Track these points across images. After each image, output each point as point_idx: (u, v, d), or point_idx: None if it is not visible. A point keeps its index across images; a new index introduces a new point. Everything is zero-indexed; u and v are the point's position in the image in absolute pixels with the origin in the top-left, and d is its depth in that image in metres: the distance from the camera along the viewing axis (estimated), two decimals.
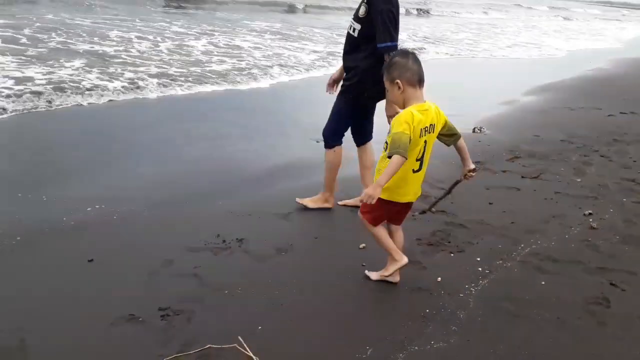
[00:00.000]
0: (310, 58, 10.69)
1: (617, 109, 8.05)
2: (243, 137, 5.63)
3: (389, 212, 2.82)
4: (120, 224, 3.51)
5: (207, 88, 7.78)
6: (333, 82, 3.98)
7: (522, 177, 4.83)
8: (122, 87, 7.09)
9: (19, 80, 6.73)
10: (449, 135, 2.77)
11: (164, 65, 8.65)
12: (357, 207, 3.83)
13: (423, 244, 3.42)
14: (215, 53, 10.29)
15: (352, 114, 3.79)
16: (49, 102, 6.17)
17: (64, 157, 4.66)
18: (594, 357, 2.43)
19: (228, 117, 6.41)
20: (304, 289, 2.84)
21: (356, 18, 3.57)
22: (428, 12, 27.84)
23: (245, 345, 2.31)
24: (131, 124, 5.88)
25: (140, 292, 2.73)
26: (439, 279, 2.98)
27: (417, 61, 2.64)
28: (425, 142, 2.65)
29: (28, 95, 6.19)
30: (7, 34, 9.60)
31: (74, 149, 4.87)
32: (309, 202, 3.95)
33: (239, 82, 8.29)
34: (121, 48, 9.65)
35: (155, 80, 7.58)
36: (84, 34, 10.58)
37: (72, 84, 6.84)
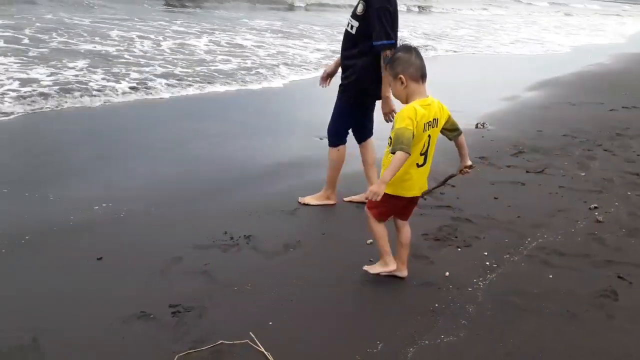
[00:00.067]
0: (315, 56, 10.66)
1: (619, 104, 8.06)
2: (251, 135, 5.64)
3: (394, 207, 2.83)
4: (128, 222, 3.52)
5: (220, 88, 7.74)
6: (327, 76, 4.00)
7: (527, 171, 4.84)
8: (130, 87, 7.06)
9: (24, 82, 6.72)
10: (451, 130, 2.78)
11: (168, 65, 8.62)
12: (362, 203, 3.87)
13: (430, 239, 3.43)
14: (219, 52, 10.28)
15: (353, 113, 3.80)
16: (57, 103, 6.14)
17: (70, 157, 4.67)
18: (603, 349, 2.44)
19: (239, 117, 6.39)
20: (313, 284, 2.85)
21: (354, 15, 3.58)
22: (429, 9, 27.78)
23: (257, 341, 2.32)
24: (141, 124, 5.88)
25: (151, 289, 2.74)
26: (447, 273, 2.99)
27: (419, 56, 2.66)
28: (429, 136, 2.66)
29: (36, 97, 6.17)
30: (7, 34, 9.60)
31: (81, 149, 4.87)
32: (311, 199, 3.96)
33: (249, 81, 8.23)
34: (123, 48, 9.64)
35: (163, 81, 7.53)
36: (85, 34, 10.59)
37: (79, 85, 6.81)
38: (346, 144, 3.90)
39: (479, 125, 6.44)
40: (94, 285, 2.77)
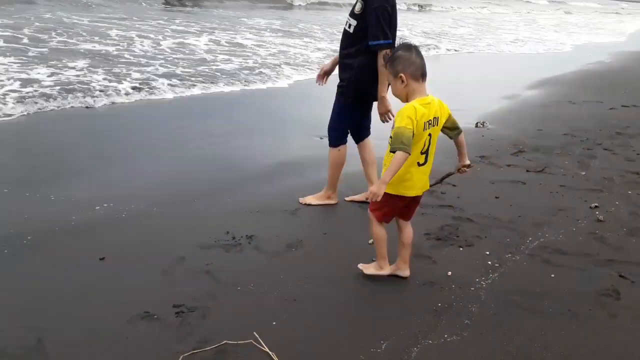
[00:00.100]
0: (317, 56, 10.61)
1: (619, 102, 8.07)
2: (254, 135, 5.63)
3: (397, 207, 2.83)
4: (130, 222, 3.52)
5: (225, 88, 7.71)
6: (324, 74, 4.00)
7: (527, 170, 4.85)
8: (132, 87, 7.01)
9: (25, 82, 6.69)
10: (452, 129, 2.79)
11: (169, 65, 8.59)
12: (363, 202, 3.88)
13: (432, 238, 3.43)
14: (219, 51, 10.25)
15: (351, 113, 3.80)
16: (59, 104, 6.11)
17: (71, 157, 4.66)
18: (607, 348, 2.45)
19: (244, 117, 6.37)
20: (316, 284, 2.85)
21: (352, 14, 3.58)
22: (429, 7, 27.77)
23: (261, 341, 2.33)
24: (142, 124, 5.88)
25: (154, 289, 2.74)
26: (450, 273, 3.00)
27: (420, 55, 2.66)
28: (430, 135, 2.66)
29: (38, 97, 6.13)
30: (6, 33, 9.58)
31: (82, 149, 4.87)
32: (312, 199, 3.97)
33: (253, 81, 8.18)
34: (123, 47, 9.62)
35: (166, 81, 7.48)
36: (84, 33, 10.57)
37: (81, 86, 6.76)
38: (347, 143, 3.90)
39: (479, 124, 6.44)
40: (97, 285, 2.77)
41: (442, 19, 22.50)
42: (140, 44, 10.05)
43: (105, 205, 3.70)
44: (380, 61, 3.44)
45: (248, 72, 8.70)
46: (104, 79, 7.26)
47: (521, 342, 2.44)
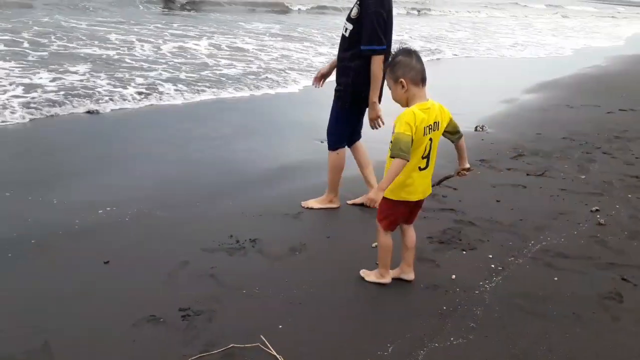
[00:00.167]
0: (319, 60, 10.55)
1: (616, 106, 8.13)
2: (255, 139, 5.63)
3: (402, 213, 2.84)
4: (133, 225, 3.52)
5: (236, 94, 7.68)
6: (321, 77, 4.03)
7: (527, 174, 4.88)
8: (138, 93, 6.96)
9: (28, 87, 6.65)
10: (453, 133, 2.80)
11: (172, 70, 8.55)
12: (364, 205, 3.88)
13: (434, 241, 3.45)
14: (220, 56, 10.23)
15: (349, 117, 3.81)
16: (64, 110, 6.06)
17: (73, 161, 4.66)
18: (610, 351, 2.47)
19: (251, 122, 6.36)
20: (321, 287, 2.86)
21: (349, 18, 3.60)
22: (428, 12, 27.88)
23: (268, 344, 2.34)
24: (145, 129, 5.85)
25: (159, 293, 2.75)
26: (453, 276, 3.01)
27: (420, 60, 2.67)
28: (431, 139, 2.68)
29: (42, 103, 6.07)
30: (6, 37, 9.59)
31: (84, 153, 4.86)
32: (314, 203, 3.98)
33: (261, 87, 8.15)
34: (123, 52, 9.60)
35: (172, 87, 7.42)
36: (83, 37, 10.57)
37: (85, 91, 6.71)
38: (345, 147, 3.92)
39: (478, 128, 6.48)
40: (102, 289, 2.77)
41: (440, 23, 22.56)
42: (141, 48, 10.04)
43: (108, 208, 3.70)
44: (373, 66, 3.46)
45: (254, 77, 8.65)
46: (108, 84, 7.21)
47: (526, 345, 2.46)
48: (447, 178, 3.15)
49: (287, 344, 2.37)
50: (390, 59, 2.73)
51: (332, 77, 3.91)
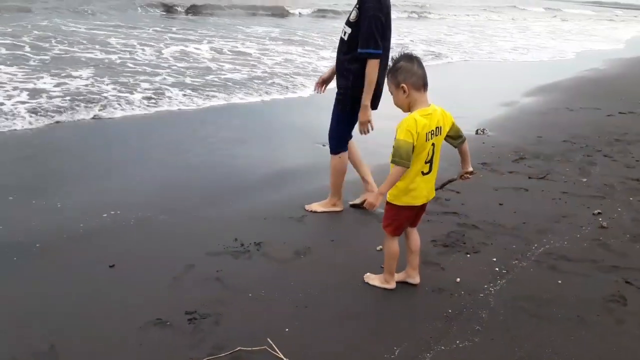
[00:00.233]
0: (324, 64, 10.51)
1: (616, 109, 8.16)
2: (260, 144, 5.64)
3: (407, 217, 2.85)
4: (138, 229, 3.53)
5: (247, 98, 7.64)
6: (322, 82, 4.05)
7: (529, 177, 4.89)
8: (144, 98, 6.91)
9: (33, 93, 6.62)
10: (455, 137, 2.81)
11: (176, 75, 8.53)
12: (362, 207, 3.91)
13: (439, 245, 3.46)
14: (222, 60, 10.23)
15: (351, 120, 3.82)
16: (72, 117, 6.01)
17: (78, 166, 4.67)
18: (615, 354, 2.48)
19: (260, 128, 6.35)
20: (326, 291, 2.87)
21: (348, 22, 3.62)
22: (427, 15, 27.98)
23: (275, 347, 2.34)
24: (147, 134, 5.85)
25: (165, 296, 2.75)
26: (458, 279, 3.02)
27: (421, 65, 2.69)
28: (433, 144, 2.69)
29: (49, 108, 6.04)
30: (6, 41, 9.60)
31: (88, 158, 4.87)
32: (317, 206, 3.99)
33: (270, 92, 8.09)
34: (125, 56, 9.61)
35: (179, 92, 7.36)
36: (84, 41, 10.60)
37: (91, 96, 6.66)
38: (347, 150, 3.93)
39: (479, 131, 6.50)
40: (108, 292, 2.78)
41: (439, 27, 22.65)
42: (142, 53, 10.05)
43: (112, 212, 3.71)
44: (368, 69, 3.48)
45: (261, 82, 8.61)
46: (114, 89, 7.16)
47: (531, 347, 2.47)
48: (450, 182, 3.16)
49: (293, 347, 2.38)
50: (391, 65, 2.73)
51: (334, 83, 3.92)
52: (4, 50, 8.89)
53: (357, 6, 3.54)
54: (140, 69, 8.65)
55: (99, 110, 6.29)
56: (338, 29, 4.23)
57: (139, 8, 17.85)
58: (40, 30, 11.43)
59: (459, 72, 12.07)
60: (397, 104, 2.75)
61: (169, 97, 7.12)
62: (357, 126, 3.73)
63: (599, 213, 4.07)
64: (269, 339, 2.39)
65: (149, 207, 3.83)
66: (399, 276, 2.96)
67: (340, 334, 2.52)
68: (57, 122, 5.84)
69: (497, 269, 3.18)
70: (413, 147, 2.59)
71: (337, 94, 3.77)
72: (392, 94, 2.75)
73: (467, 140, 2.87)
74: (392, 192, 2.75)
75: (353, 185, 4.14)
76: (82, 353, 2.31)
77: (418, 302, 2.83)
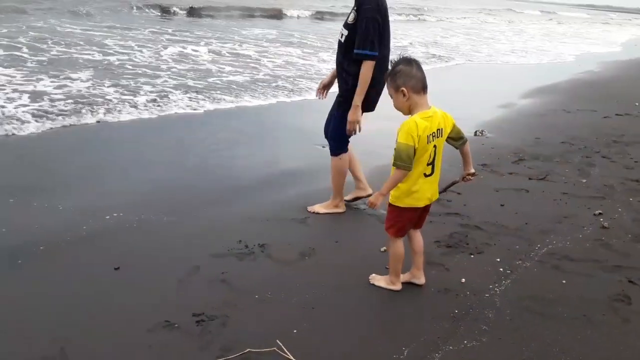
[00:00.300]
0: (326, 67, 10.46)
1: (612, 111, 8.22)
2: (262, 146, 5.64)
3: (410, 219, 2.86)
4: (141, 231, 3.52)
5: (254, 101, 7.62)
6: (323, 88, 4.06)
7: (529, 178, 4.92)
8: (148, 100, 6.84)
9: (34, 95, 6.56)
10: (456, 139, 2.83)
11: (177, 77, 8.49)
12: (356, 199, 3.97)
13: (442, 246, 3.47)
14: (222, 62, 10.20)
15: None
16: (76, 120, 5.93)
17: (78, 167, 4.65)
18: (622, 353, 2.50)
19: (265, 131, 6.34)
20: (333, 291, 2.88)
21: (345, 25, 3.63)
22: (425, 18, 28.12)
23: (284, 348, 2.34)
24: (149, 137, 5.81)
25: (172, 298, 2.75)
26: (463, 280, 3.03)
27: (420, 68, 2.70)
28: (435, 146, 2.70)
29: (53, 112, 5.97)
30: (3, 42, 9.55)
31: (90, 161, 4.85)
32: (320, 208, 4.00)
33: (276, 95, 8.07)
34: (123, 57, 9.57)
35: (184, 95, 7.30)
36: (81, 42, 10.57)
37: (94, 99, 6.59)
38: (348, 151, 3.93)
39: (477, 132, 6.53)
40: (115, 294, 2.77)
41: (437, 29, 22.75)
42: (141, 54, 10.01)
43: (115, 214, 3.70)
44: (362, 70, 3.49)
45: (265, 84, 8.57)
46: (116, 91, 7.10)
47: (539, 347, 2.48)
48: (453, 184, 3.17)
49: (302, 348, 2.38)
50: (390, 69, 2.74)
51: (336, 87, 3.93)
52: (0, 52, 8.84)
53: (355, 8, 3.55)
54: (140, 71, 8.62)
55: (104, 114, 6.22)
56: (334, 30, 4.23)
57: (134, 7, 17.81)
58: (35, 31, 11.38)
59: (458, 75, 12.13)
60: (397, 108, 2.76)
61: (174, 100, 7.05)
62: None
63: (599, 213, 4.10)
64: (278, 341, 2.39)
65: (152, 209, 3.81)
66: (404, 277, 2.97)
67: (348, 334, 2.52)
68: (63, 126, 5.79)
69: (501, 269, 3.20)
70: (415, 149, 2.60)
71: (338, 96, 3.78)
72: (392, 97, 2.76)
73: (468, 143, 2.89)
74: (394, 194, 2.76)
75: (354, 186, 4.15)
76: (92, 356, 2.30)
77: (424, 302, 2.83)
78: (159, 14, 18.37)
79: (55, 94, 6.79)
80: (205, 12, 20.12)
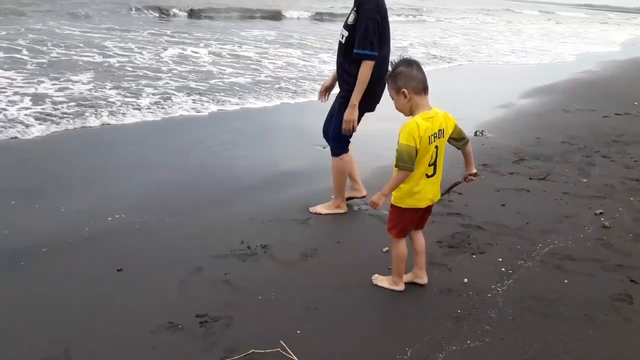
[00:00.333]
0: (328, 68, 10.42)
1: (611, 111, 8.24)
2: (263, 147, 5.65)
3: (412, 220, 2.86)
4: (144, 232, 3.52)
5: (258, 103, 7.58)
6: (325, 90, 4.06)
7: (530, 178, 4.93)
8: (151, 103, 6.79)
9: (35, 98, 6.53)
10: (458, 139, 2.83)
11: (179, 79, 8.46)
12: (349, 199, 3.98)
13: (444, 246, 3.48)
14: (224, 64, 10.18)
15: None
16: (79, 124, 5.89)
17: (79, 169, 4.66)
18: (624, 352, 2.50)
19: (268, 132, 6.33)
20: (335, 292, 2.88)
21: (345, 25, 3.63)
22: (424, 19, 28.17)
23: (288, 349, 2.35)
24: (150, 138, 5.81)
25: (175, 299, 2.75)
26: (465, 280, 3.04)
27: (420, 69, 2.71)
28: (437, 147, 2.71)
29: (56, 115, 5.94)
30: (2, 45, 9.55)
31: (92, 163, 4.85)
32: (321, 208, 4.00)
33: (280, 97, 8.01)
34: (124, 59, 9.56)
35: (187, 98, 7.26)
36: (80, 44, 10.57)
37: (97, 102, 6.56)
38: (349, 152, 3.94)
39: (478, 132, 6.54)
40: (117, 296, 2.77)
41: (436, 30, 22.77)
42: (141, 56, 9.99)
43: (117, 216, 3.70)
44: (361, 69, 3.50)
45: (268, 86, 8.54)
46: (118, 93, 7.06)
47: (541, 347, 2.49)
48: (455, 185, 3.18)
49: (305, 349, 2.39)
50: (390, 70, 2.75)
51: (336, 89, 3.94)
52: (0, 54, 8.83)
53: (355, 9, 3.55)
54: (141, 73, 8.61)
55: (108, 117, 6.19)
56: (334, 31, 4.24)
57: (132, 9, 17.81)
58: (35, 33, 11.38)
59: (457, 75, 12.14)
60: (398, 109, 2.77)
61: (178, 103, 7.02)
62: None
63: (600, 213, 4.11)
64: (282, 342, 2.39)
65: (153, 210, 3.82)
66: (406, 277, 2.97)
67: (351, 335, 2.53)
68: (67, 129, 5.77)
69: (503, 269, 3.20)
70: (416, 150, 2.61)
71: (339, 96, 3.79)
72: (393, 99, 2.77)
73: (470, 143, 2.89)
74: (396, 195, 2.77)
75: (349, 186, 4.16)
76: (95, 358, 2.30)
77: (427, 302, 2.84)
78: (158, 15, 18.38)
79: (57, 96, 6.78)
80: (205, 13, 20.13)
